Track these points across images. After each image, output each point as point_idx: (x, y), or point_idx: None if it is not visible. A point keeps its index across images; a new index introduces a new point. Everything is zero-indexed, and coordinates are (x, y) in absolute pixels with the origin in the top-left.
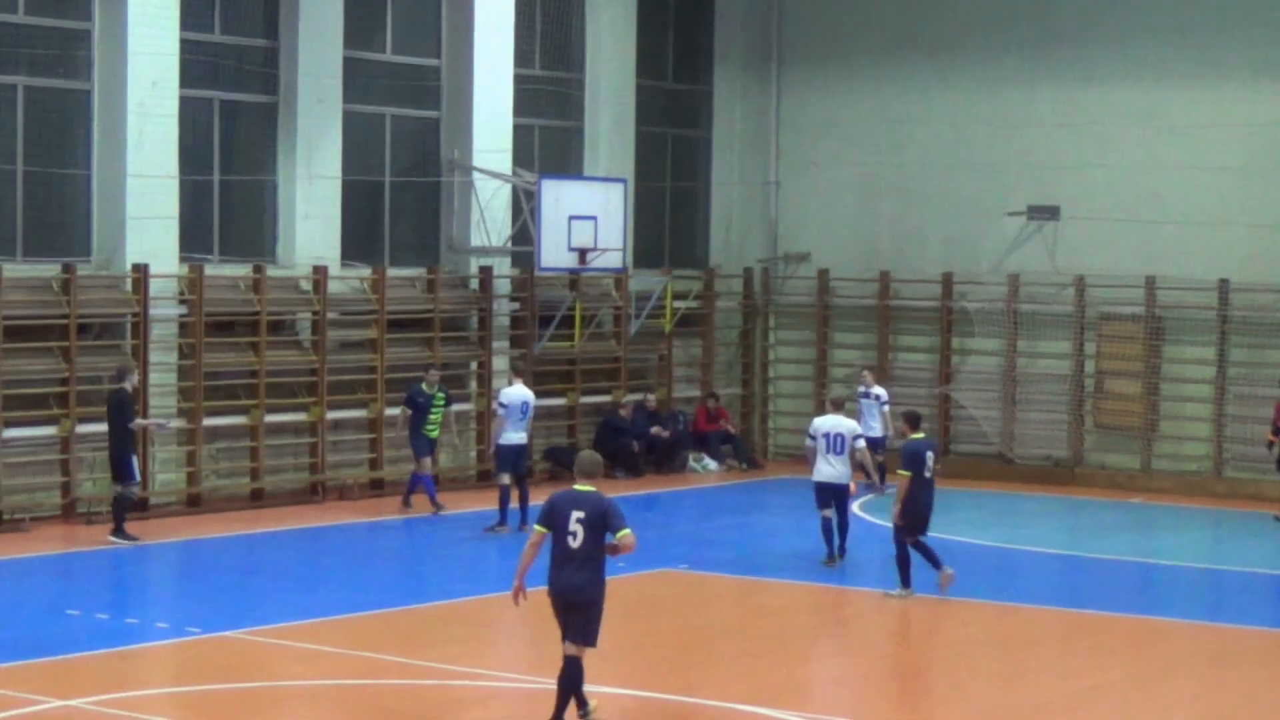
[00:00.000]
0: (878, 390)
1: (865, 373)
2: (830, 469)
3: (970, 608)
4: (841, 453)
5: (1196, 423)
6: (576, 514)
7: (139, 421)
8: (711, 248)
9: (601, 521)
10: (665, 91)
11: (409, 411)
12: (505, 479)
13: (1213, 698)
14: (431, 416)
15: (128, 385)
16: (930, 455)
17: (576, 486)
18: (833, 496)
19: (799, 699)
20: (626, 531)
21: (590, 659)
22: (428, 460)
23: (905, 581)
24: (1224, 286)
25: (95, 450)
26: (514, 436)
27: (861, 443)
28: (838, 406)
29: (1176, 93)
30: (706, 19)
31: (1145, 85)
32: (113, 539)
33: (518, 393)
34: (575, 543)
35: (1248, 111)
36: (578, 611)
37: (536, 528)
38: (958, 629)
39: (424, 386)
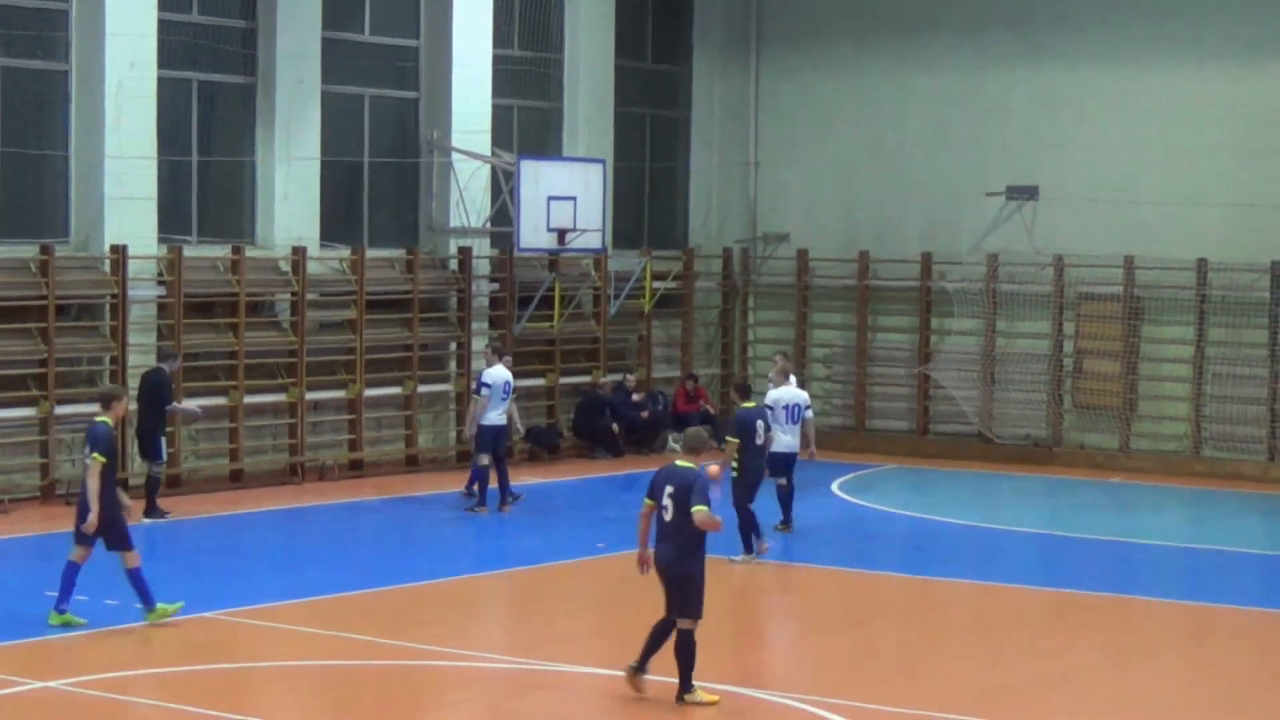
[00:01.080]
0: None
1: (778, 356)
2: (787, 439)
3: (950, 588)
4: (796, 423)
5: (1175, 402)
6: (668, 488)
7: (176, 405)
8: (691, 228)
9: (686, 496)
10: (644, 72)
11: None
12: (484, 460)
13: (1192, 676)
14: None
15: (167, 367)
16: (760, 424)
17: (678, 462)
18: (786, 466)
19: (778, 680)
20: (699, 509)
21: (575, 639)
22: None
23: (748, 547)
24: (1202, 266)
25: (74, 431)
26: (496, 417)
27: (810, 413)
28: (785, 376)
29: (1154, 73)
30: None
31: (1123, 66)
32: (144, 518)
33: (500, 373)
34: (667, 516)
35: (1225, 92)
36: (671, 584)
37: (646, 500)
38: (937, 609)
39: None
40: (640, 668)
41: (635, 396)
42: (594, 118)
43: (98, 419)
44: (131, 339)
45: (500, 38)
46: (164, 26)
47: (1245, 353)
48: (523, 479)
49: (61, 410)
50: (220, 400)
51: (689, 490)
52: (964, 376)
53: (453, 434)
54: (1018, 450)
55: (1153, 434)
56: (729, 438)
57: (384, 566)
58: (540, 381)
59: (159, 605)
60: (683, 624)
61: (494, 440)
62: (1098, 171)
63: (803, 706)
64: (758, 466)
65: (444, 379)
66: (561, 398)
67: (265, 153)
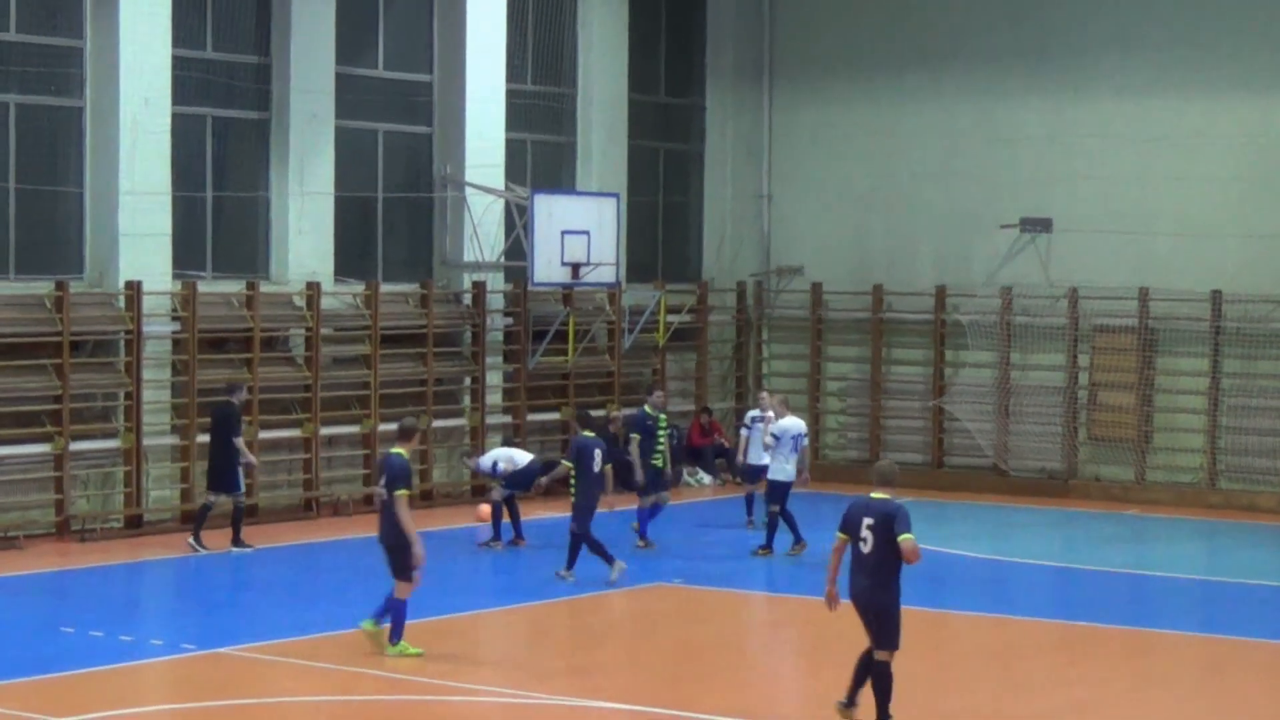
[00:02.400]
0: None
1: (764, 395)
2: (789, 467)
3: (965, 620)
4: (796, 452)
5: (1190, 434)
6: (867, 520)
7: (242, 441)
8: (704, 262)
9: (889, 527)
10: (657, 106)
11: (639, 437)
12: (498, 495)
13: (1208, 708)
14: (659, 445)
15: (235, 399)
16: (598, 453)
17: (871, 494)
18: (782, 493)
19: (793, 712)
20: (907, 536)
21: (588, 673)
22: (666, 494)
23: (570, 564)
24: (1217, 298)
25: (90, 467)
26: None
27: (806, 441)
28: (787, 406)
29: (1168, 104)
30: (698, 33)
31: (1137, 97)
32: (231, 547)
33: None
34: (866, 549)
35: (1239, 122)
36: (872, 616)
37: (839, 534)
38: (952, 641)
39: (648, 409)
40: (850, 703)
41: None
42: (607, 151)
43: (392, 451)
44: (146, 375)
45: (513, 72)
46: (178, 62)
47: (1261, 384)
48: (536, 513)
49: (76, 446)
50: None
51: (891, 520)
52: (978, 409)
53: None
54: (1032, 483)
55: (1168, 466)
56: (564, 461)
57: None
58: (555, 416)
59: (404, 644)
60: (881, 655)
61: (530, 478)
62: (1112, 203)
63: None
64: (594, 494)
65: (458, 414)
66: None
67: (279, 188)
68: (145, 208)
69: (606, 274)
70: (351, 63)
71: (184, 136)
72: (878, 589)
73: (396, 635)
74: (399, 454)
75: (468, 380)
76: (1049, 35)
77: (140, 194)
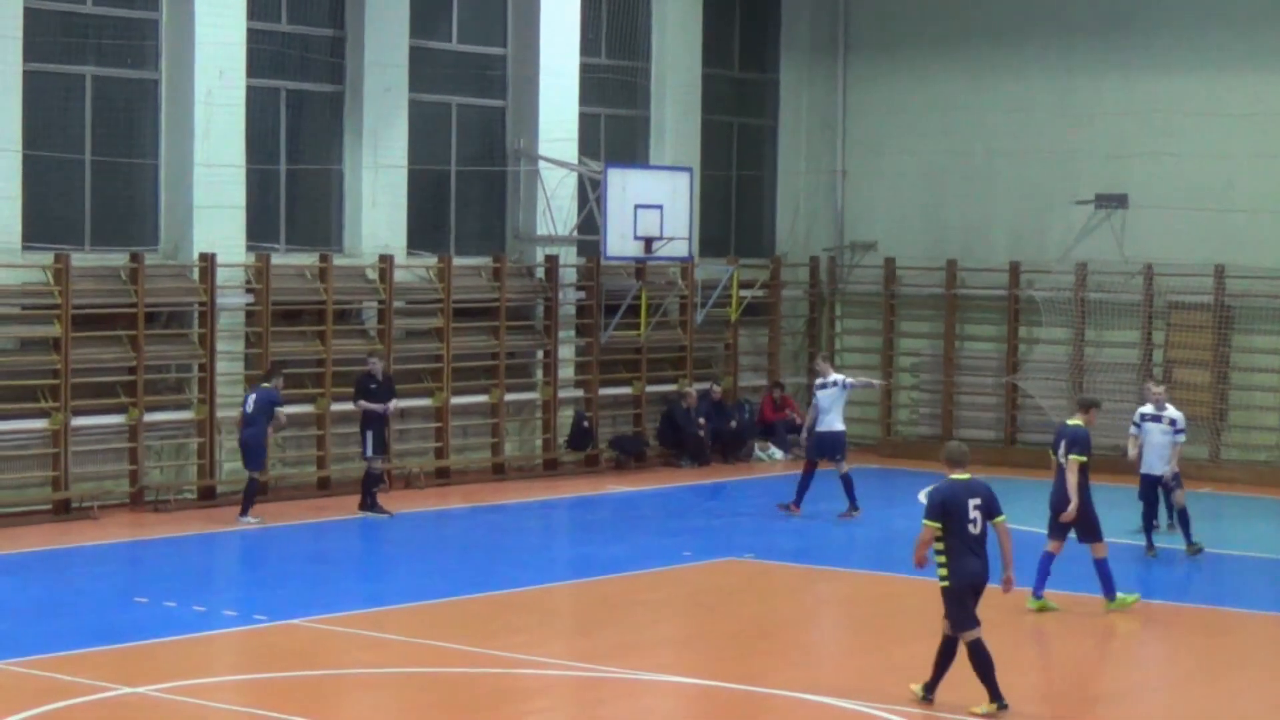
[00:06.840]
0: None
1: (1157, 389)
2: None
3: None
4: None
5: (1266, 412)
6: (973, 501)
7: (364, 404)
8: (778, 236)
9: (992, 507)
10: (731, 80)
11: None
12: (845, 467)
13: None
14: None
15: (370, 367)
16: (254, 398)
17: (954, 476)
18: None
19: (863, 689)
20: (1002, 518)
21: (658, 647)
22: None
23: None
24: None
25: (163, 438)
26: (838, 424)
27: (1181, 437)
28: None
29: (1244, 79)
30: (773, 7)
31: (1213, 72)
32: (363, 512)
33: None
34: (976, 529)
35: None
36: (979, 596)
37: (931, 523)
38: (1026, 618)
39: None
40: (930, 688)
41: (700, 422)
42: (681, 125)
43: (1070, 422)
44: (220, 346)
45: (587, 46)
46: (253, 35)
47: None
48: (609, 487)
49: (150, 417)
50: (307, 408)
51: (992, 499)
52: (1052, 386)
53: (539, 442)
54: (1106, 460)
55: (1243, 444)
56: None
57: (469, 574)
58: (627, 390)
59: (1119, 595)
60: (964, 635)
61: (833, 447)
62: (1188, 179)
63: (886, 715)
64: (256, 441)
65: (530, 387)
66: (648, 406)
67: (353, 161)
68: (219, 180)
69: (679, 248)
70: (425, 36)
71: (258, 109)
72: (987, 567)
73: (1110, 592)
74: (1077, 424)
75: (540, 354)
76: (1127, 9)
77: (215, 166)
